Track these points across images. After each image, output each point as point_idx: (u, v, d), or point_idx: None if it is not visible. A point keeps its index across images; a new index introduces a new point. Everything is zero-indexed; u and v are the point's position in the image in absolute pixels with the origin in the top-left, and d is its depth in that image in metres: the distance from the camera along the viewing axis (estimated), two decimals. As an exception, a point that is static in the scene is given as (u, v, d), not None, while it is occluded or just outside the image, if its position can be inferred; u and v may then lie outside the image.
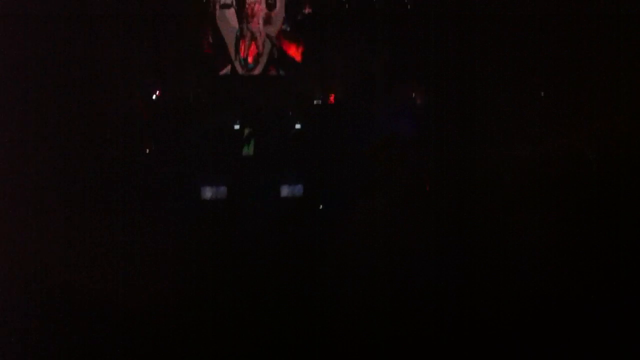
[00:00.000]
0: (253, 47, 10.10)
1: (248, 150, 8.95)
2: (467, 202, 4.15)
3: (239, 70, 10.16)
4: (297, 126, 9.32)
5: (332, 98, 9.70)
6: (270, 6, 9.22)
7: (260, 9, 9.69)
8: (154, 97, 9.36)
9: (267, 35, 10.14)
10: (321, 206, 7.81)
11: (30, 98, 6.11)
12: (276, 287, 4.35)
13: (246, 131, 9.19)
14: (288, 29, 10.01)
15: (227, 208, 7.65)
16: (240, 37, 9.97)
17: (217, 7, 9.44)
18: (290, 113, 9.42)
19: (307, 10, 9.80)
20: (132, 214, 6.23)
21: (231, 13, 9.63)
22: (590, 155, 3.43)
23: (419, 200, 5.10)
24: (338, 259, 4.53)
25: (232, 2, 9.13)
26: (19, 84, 5.86)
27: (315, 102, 9.59)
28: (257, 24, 10.02)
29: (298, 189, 8.52)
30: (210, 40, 9.66)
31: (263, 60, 10.35)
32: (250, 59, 10.06)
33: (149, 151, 8.85)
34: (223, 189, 8.24)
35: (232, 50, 10.05)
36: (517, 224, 3.74)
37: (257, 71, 10.32)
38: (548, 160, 3.58)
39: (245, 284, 4.89)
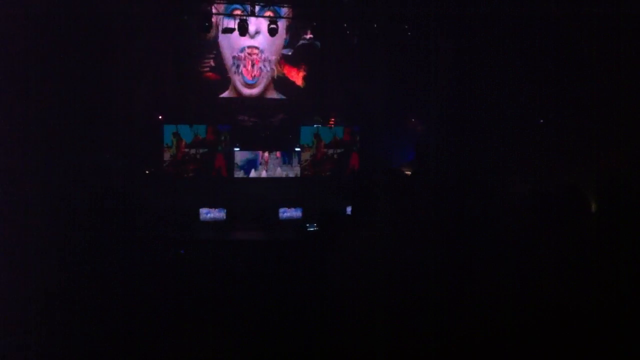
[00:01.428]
0: (254, 68, 10.27)
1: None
2: (463, 238, 4.23)
3: (239, 87, 10.31)
4: (297, 149, 9.49)
5: (331, 122, 9.86)
6: (272, 31, 9.35)
7: (262, 33, 9.86)
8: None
9: (267, 59, 10.32)
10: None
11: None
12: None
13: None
14: (290, 53, 10.22)
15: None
16: (241, 59, 10.17)
17: (219, 31, 9.59)
18: (290, 136, 9.58)
19: (308, 36, 9.99)
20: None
21: (233, 37, 9.79)
22: (589, 193, 3.54)
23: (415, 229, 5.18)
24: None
25: (234, 26, 9.24)
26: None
27: (314, 125, 9.74)
28: (258, 48, 10.22)
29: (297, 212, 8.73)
30: (213, 64, 9.85)
31: (263, 81, 10.52)
32: (249, 77, 10.22)
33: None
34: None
35: (233, 70, 10.25)
36: (512, 259, 3.83)
37: (256, 91, 10.48)
38: (546, 197, 3.68)
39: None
